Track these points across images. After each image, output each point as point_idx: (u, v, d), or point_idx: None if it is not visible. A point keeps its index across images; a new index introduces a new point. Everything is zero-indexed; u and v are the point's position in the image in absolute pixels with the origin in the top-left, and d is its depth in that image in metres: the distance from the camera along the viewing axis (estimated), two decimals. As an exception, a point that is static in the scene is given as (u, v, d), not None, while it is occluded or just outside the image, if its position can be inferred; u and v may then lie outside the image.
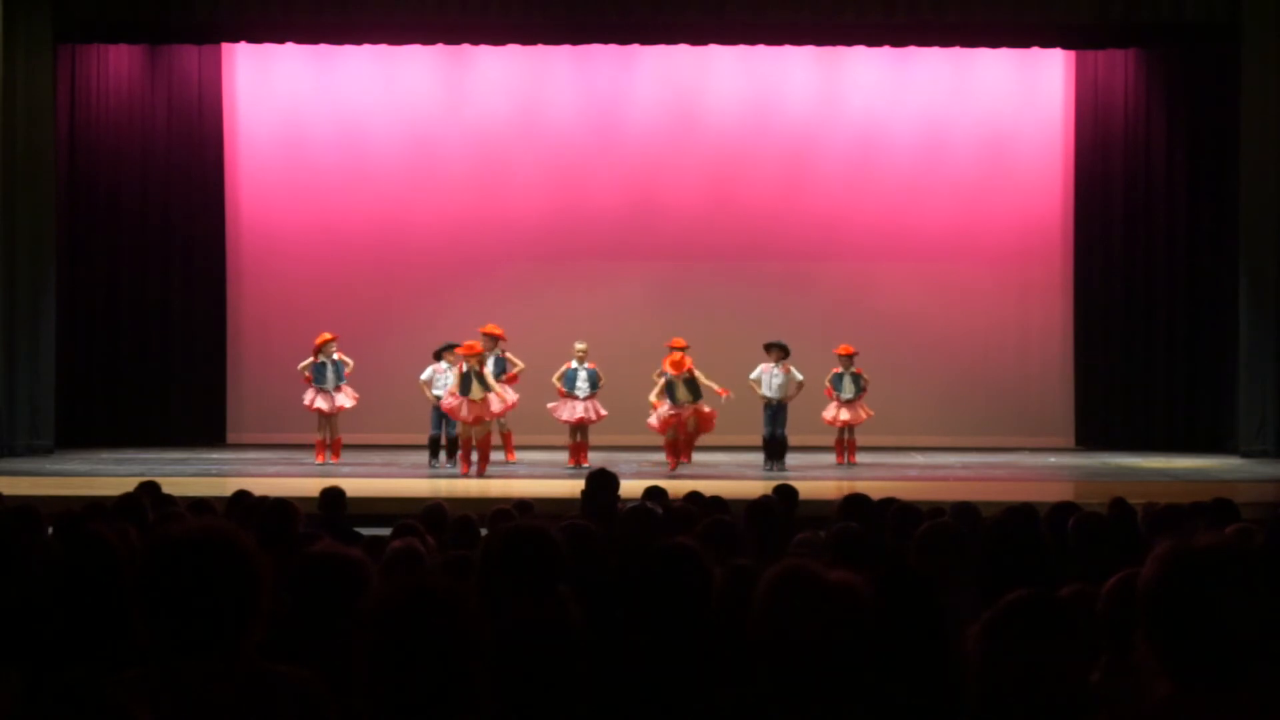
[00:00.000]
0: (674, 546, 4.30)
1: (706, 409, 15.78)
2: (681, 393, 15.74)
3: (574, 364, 16.53)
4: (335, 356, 16.85)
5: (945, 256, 19.79)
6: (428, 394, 16.46)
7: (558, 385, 16.52)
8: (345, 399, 16.90)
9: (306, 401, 16.91)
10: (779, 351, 16.42)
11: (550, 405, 16.60)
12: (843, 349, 17.14)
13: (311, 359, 16.88)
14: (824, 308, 19.53)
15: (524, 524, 4.59)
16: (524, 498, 8.79)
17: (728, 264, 19.77)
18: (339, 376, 16.87)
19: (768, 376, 16.38)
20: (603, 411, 16.49)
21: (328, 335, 16.95)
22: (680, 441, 15.64)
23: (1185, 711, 2.54)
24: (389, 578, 3.62)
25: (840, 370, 17.06)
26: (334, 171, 19.89)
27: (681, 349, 16.35)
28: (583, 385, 16.47)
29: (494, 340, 16.33)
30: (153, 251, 19.77)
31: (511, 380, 16.27)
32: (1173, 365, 19.47)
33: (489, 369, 15.83)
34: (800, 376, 16.39)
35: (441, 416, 16.21)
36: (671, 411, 15.79)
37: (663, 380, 16.07)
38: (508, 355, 16.46)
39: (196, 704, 2.92)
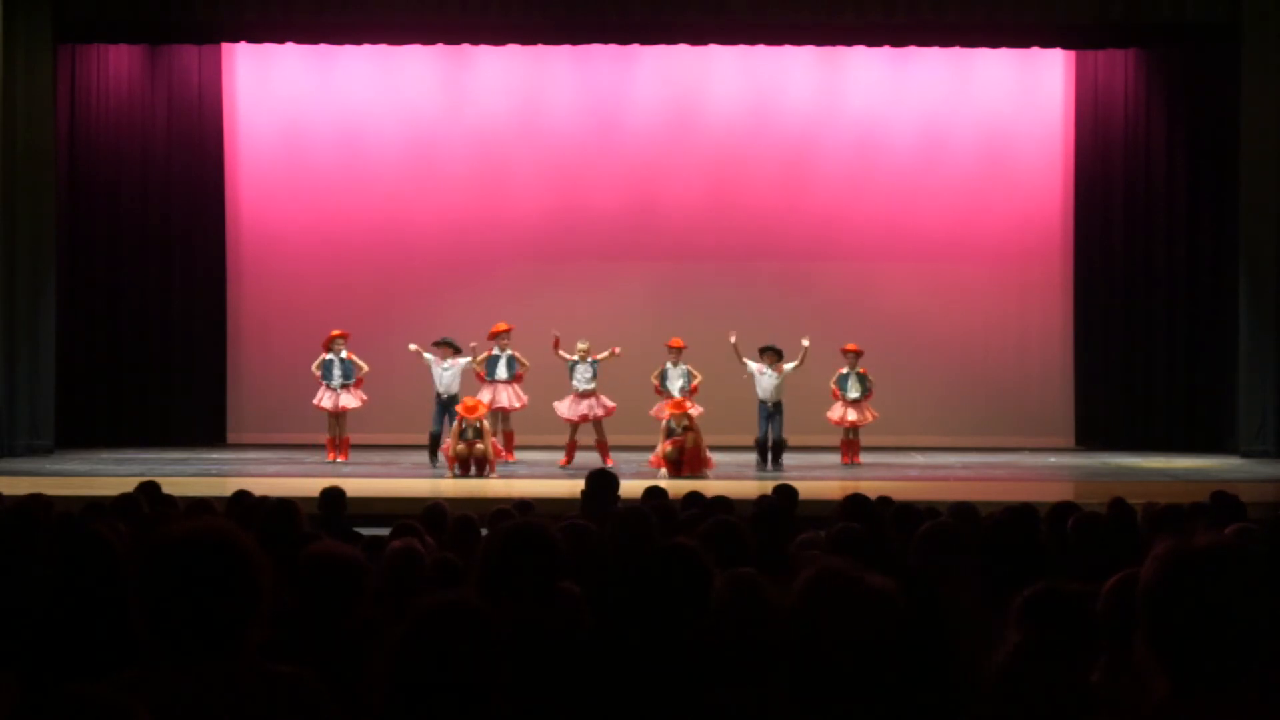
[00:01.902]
0: (673, 546, 4.30)
1: (708, 453, 15.66)
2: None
3: (574, 356, 16.59)
4: (344, 355, 16.89)
5: (945, 256, 19.79)
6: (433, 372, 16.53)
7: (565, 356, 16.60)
8: (350, 399, 16.92)
9: (316, 399, 17.00)
10: (772, 355, 16.46)
11: (555, 404, 16.64)
12: (849, 347, 17.18)
13: (322, 355, 16.95)
14: (824, 308, 19.52)
15: (523, 522, 4.59)
16: (524, 498, 8.79)
17: (728, 264, 19.77)
18: (346, 375, 16.89)
19: (760, 376, 16.41)
20: (608, 405, 16.51)
21: (337, 332, 17.00)
22: (682, 460, 15.50)
23: (1185, 711, 2.54)
24: (403, 590, 3.62)
25: (846, 370, 17.09)
26: (334, 171, 19.88)
27: (679, 348, 16.46)
28: (581, 378, 16.52)
29: (505, 336, 16.53)
30: (153, 251, 19.77)
31: (518, 379, 16.52)
32: (1173, 365, 19.46)
33: (502, 368, 16.41)
34: (790, 367, 16.35)
35: (443, 414, 16.27)
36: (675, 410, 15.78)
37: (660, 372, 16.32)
38: (517, 355, 16.59)
39: (196, 704, 2.92)
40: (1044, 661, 3.76)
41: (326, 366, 16.94)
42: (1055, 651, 3.80)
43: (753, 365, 16.54)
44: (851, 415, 17.02)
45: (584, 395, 16.54)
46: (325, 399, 16.93)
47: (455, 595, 3.19)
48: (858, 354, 17.16)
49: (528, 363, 16.69)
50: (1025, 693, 3.65)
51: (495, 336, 16.69)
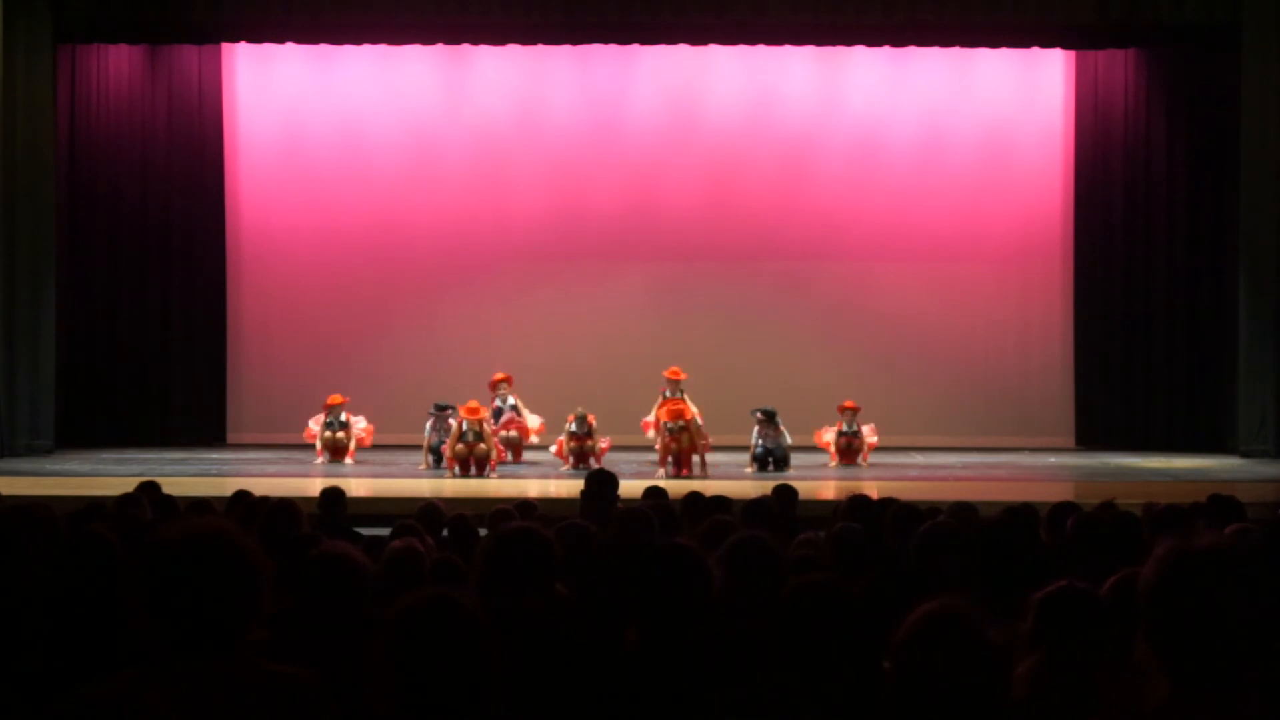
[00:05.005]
0: (672, 546, 4.30)
1: (706, 437, 15.58)
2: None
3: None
4: (344, 418, 16.74)
5: (945, 256, 19.78)
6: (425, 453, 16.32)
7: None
8: (346, 457, 16.71)
9: (318, 456, 16.76)
10: (763, 417, 15.98)
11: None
12: (847, 404, 16.77)
13: (321, 417, 16.80)
14: (824, 308, 19.51)
15: (516, 526, 4.61)
16: (526, 498, 8.79)
17: (728, 264, 19.76)
18: (342, 427, 16.75)
19: (761, 442, 16.01)
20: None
21: (339, 398, 16.82)
22: (680, 454, 15.45)
23: (1185, 711, 2.54)
24: (404, 590, 3.63)
25: (843, 427, 16.70)
26: (334, 171, 19.87)
27: (677, 379, 16.27)
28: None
29: (505, 385, 16.52)
30: (153, 251, 19.75)
31: (519, 429, 16.49)
32: (1173, 365, 19.45)
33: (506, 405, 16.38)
34: (789, 440, 16.11)
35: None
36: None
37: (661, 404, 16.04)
38: (518, 403, 16.51)
39: (196, 704, 2.92)
40: (1064, 662, 3.77)
41: (328, 425, 16.78)
42: (1074, 650, 3.80)
43: (754, 436, 16.09)
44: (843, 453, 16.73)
45: None
46: (324, 456, 16.74)
47: (442, 589, 3.20)
48: (855, 411, 16.75)
49: (527, 417, 16.54)
50: (1050, 695, 3.66)
51: (494, 387, 16.59)
